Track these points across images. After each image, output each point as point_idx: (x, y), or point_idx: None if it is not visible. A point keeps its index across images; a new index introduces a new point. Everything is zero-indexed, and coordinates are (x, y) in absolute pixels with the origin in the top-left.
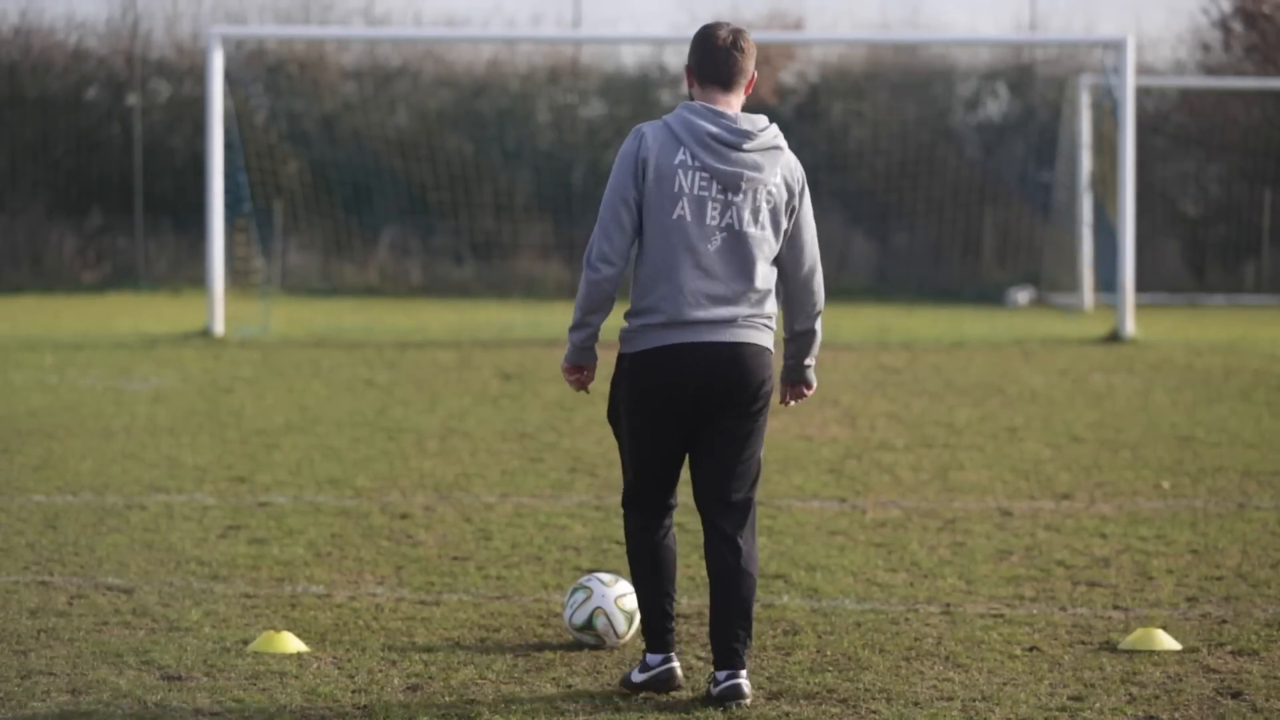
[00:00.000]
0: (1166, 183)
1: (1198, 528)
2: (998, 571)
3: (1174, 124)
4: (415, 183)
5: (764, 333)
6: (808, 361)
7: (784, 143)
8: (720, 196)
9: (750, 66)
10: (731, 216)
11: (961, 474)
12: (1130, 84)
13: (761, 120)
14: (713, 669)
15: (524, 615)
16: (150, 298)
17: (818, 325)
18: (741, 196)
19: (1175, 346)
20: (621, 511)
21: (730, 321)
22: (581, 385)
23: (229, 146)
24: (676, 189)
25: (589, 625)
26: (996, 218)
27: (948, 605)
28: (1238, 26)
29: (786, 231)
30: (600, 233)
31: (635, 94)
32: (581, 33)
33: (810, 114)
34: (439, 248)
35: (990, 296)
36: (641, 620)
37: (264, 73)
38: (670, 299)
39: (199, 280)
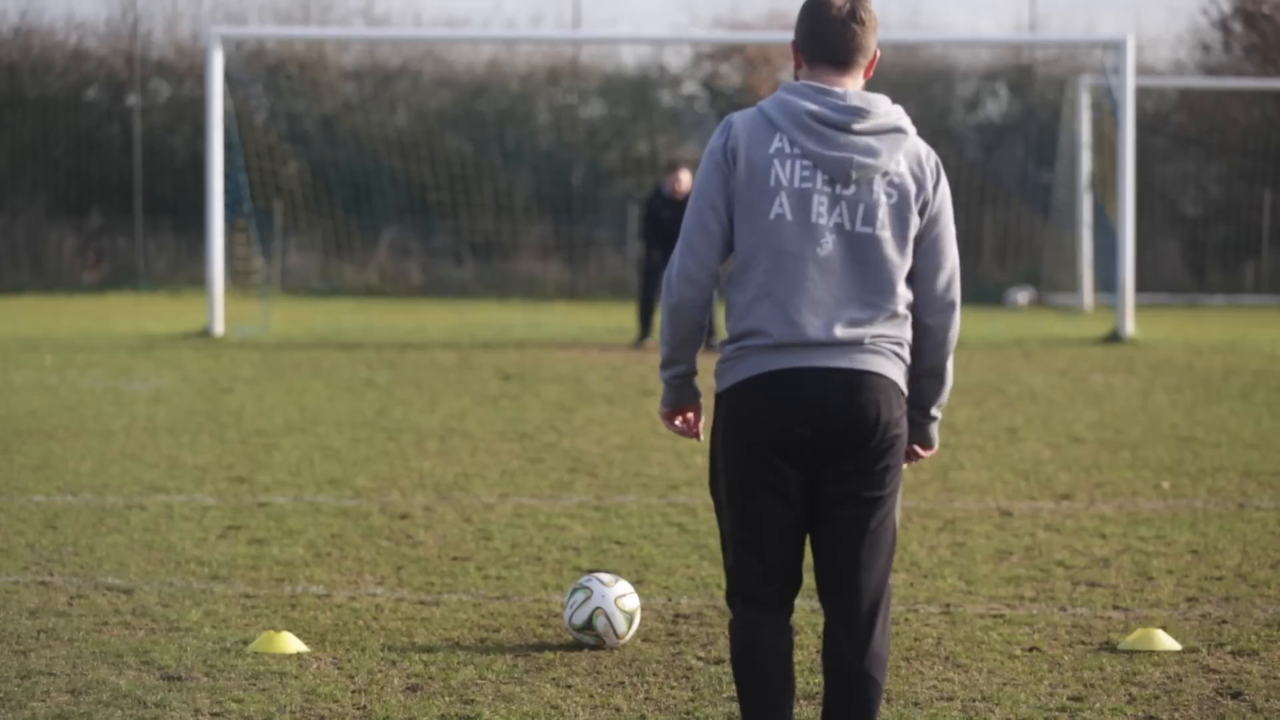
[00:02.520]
0: (1166, 183)
1: (1198, 528)
2: (998, 571)
3: (1174, 124)
4: (415, 183)
5: (893, 361)
6: (933, 412)
7: (910, 126)
8: (827, 189)
9: (872, 43)
10: (842, 214)
11: (961, 474)
12: (1130, 84)
13: (882, 99)
14: None
15: (524, 615)
16: (150, 298)
17: (948, 364)
18: (854, 189)
19: (1175, 347)
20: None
21: (854, 344)
22: (689, 430)
23: (229, 146)
24: (773, 182)
25: (589, 625)
26: (996, 218)
27: (948, 605)
28: (1238, 26)
29: (919, 235)
30: (683, 246)
31: (635, 94)
32: (581, 33)
33: None
34: (439, 248)
35: (990, 296)
36: None
37: (264, 73)
38: (775, 318)
39: (199, 280)
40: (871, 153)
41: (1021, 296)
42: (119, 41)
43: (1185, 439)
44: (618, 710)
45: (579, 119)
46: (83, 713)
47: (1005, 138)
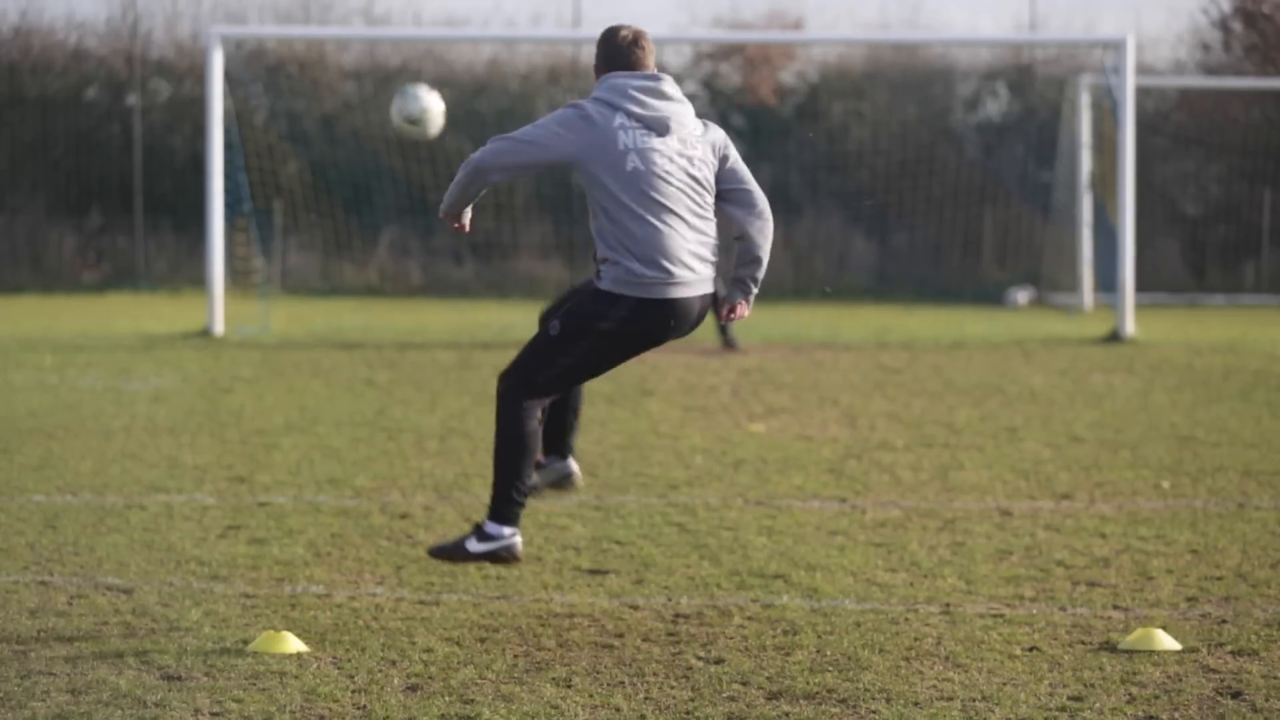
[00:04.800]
0: (1166, 183)
1: (1198, 528)
2: (998, 571)
3: (1174, 124)
4: (415, 183)
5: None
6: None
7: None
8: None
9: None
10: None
11: (961, 474)
12: (1130, 84)
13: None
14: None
15: (524, 615)
16: (150, 298)
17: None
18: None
19: (1175, 346)
20: (505, 394)
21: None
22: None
23: (229, 146)
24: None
25: (416, 120)
26: (996, 218)
27: (948, 605)
28: (1238, 26)
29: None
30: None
31: None
32: (581, 33)
33: (810, 114)
34: (439, 248)
35: (990, 296)
36: (499, 496)
37: (264, 73)
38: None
39: (199, 280)
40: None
41: (1021, 296)
42: (119, 41)
43: (1185, 439)
44: (618, 710)
45: None
46: (83, 712)
47: (1005, 137)
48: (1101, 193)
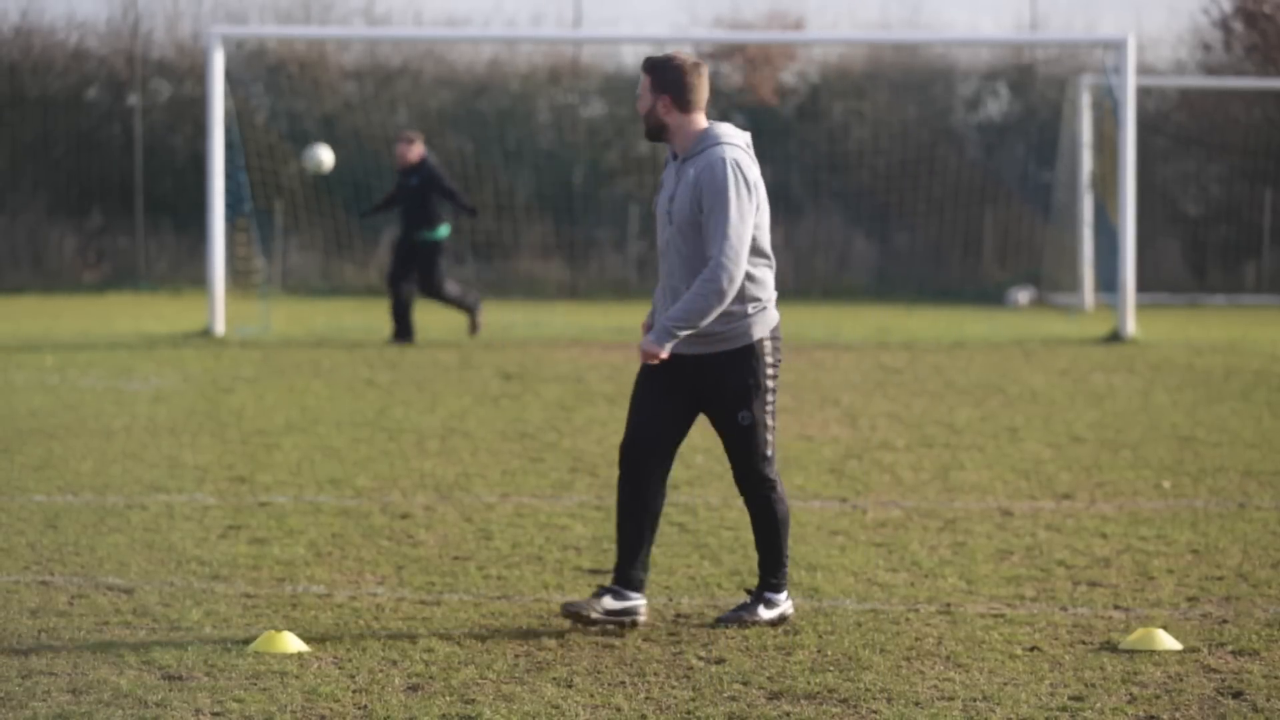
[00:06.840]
0: (1166, 183)
1: (1198, 528)
2: (998, 571)
3: (1174, 124)
4: None
5: None
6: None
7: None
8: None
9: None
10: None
11: (962, 474)
12: (1130, 84)
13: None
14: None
15: (525, 615)
16: (150, 298)
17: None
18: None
19: (1175, 346)
20: (774, 484)
21: None
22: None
23: (229, 146)
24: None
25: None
26: (996, 218)
27: (948, 605)
28: (1238, 26)
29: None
30: (741, 255)
31: (635, 94)
32: (581, 33)
33: (810, 114)
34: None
35: (990, 296)
36: (781, 569)
37: (264, 73)
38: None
39: (199, 280)
40: None
41: (1022, 296)
42: (119, 41)
43: (1186, 439)
44: (618, 710)
45: (580, 119)
46: (83, 712)
47: (1006, 137)
48: (1102, 193)
